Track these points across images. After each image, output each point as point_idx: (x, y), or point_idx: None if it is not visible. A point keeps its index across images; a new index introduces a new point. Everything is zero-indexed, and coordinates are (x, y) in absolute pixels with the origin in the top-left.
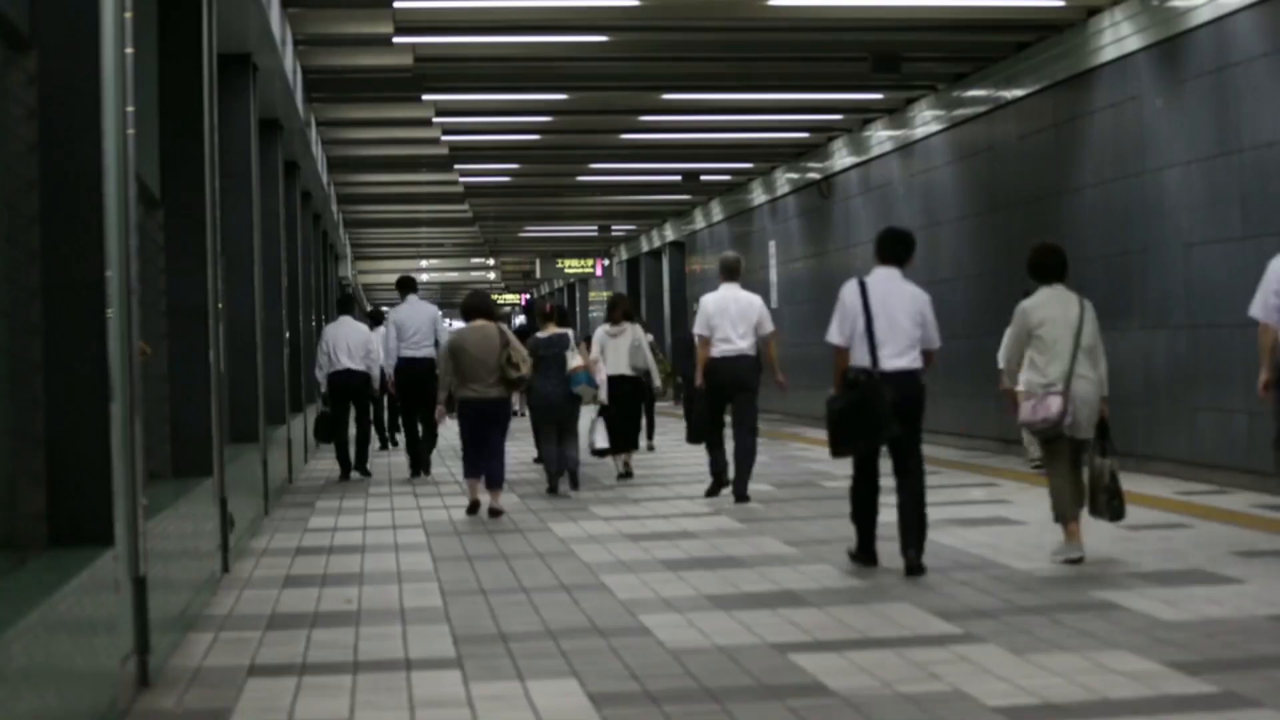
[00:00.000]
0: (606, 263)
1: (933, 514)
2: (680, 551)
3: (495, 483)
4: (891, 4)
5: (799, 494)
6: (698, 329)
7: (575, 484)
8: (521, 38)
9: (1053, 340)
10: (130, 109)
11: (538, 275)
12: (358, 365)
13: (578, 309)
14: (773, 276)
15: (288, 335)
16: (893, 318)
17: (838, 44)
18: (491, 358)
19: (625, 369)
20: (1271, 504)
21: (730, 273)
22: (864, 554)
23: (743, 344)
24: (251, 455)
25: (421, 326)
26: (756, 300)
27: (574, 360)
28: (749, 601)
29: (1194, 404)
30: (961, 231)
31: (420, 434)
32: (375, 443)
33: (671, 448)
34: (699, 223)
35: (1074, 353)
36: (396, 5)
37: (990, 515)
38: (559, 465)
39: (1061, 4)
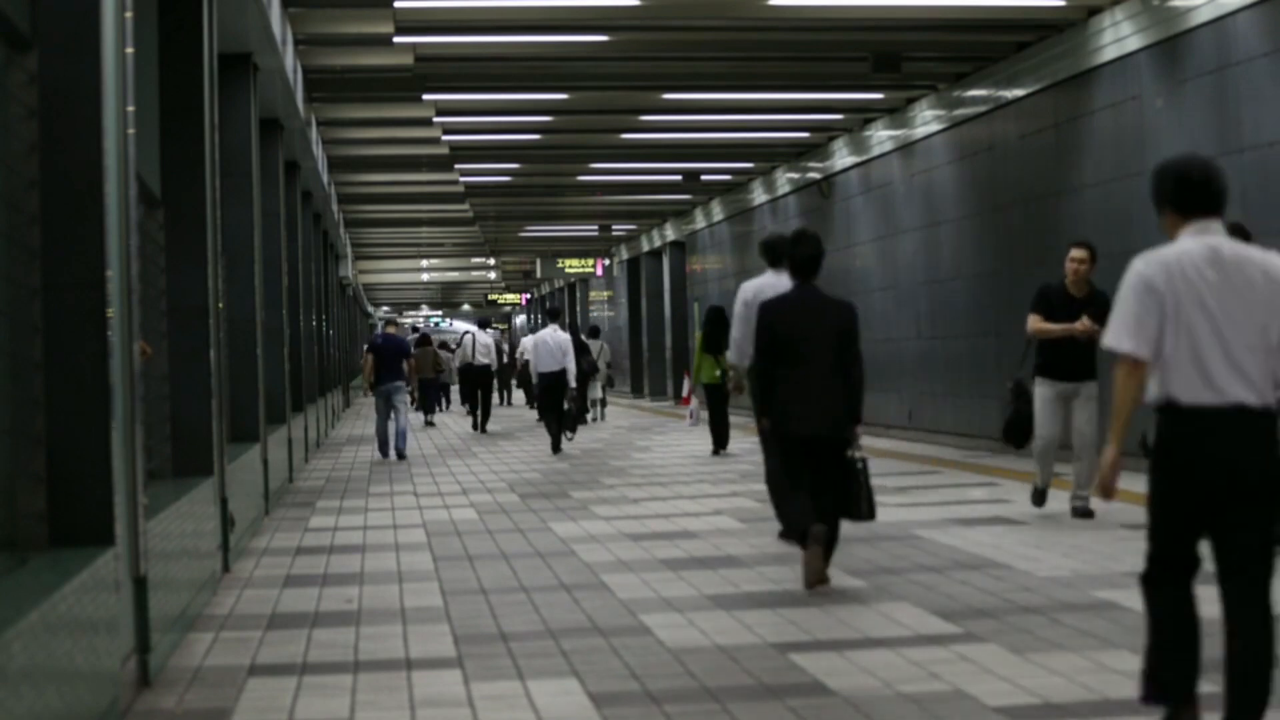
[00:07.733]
0: (607, 262)
1: (933, 514)
2: (680, 551)
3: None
4: (891, 4)
5: None
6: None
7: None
8: (521, 38)
9: None
10: (130, 109)
11: (538, 275)
12: None
13: (578, 308)
14: None
15: (288, 335)
16: None
17: (838, 44)
18: (428, 364)
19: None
20: None
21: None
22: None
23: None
24: (251, 455)
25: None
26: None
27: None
28: (749, 601)
29: None
30: (962, 231)
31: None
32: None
33: (671, 447)
34: (699, 222)
35: None
36: (397, 5)
37: (990, 515)
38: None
39: (1061, 4)
